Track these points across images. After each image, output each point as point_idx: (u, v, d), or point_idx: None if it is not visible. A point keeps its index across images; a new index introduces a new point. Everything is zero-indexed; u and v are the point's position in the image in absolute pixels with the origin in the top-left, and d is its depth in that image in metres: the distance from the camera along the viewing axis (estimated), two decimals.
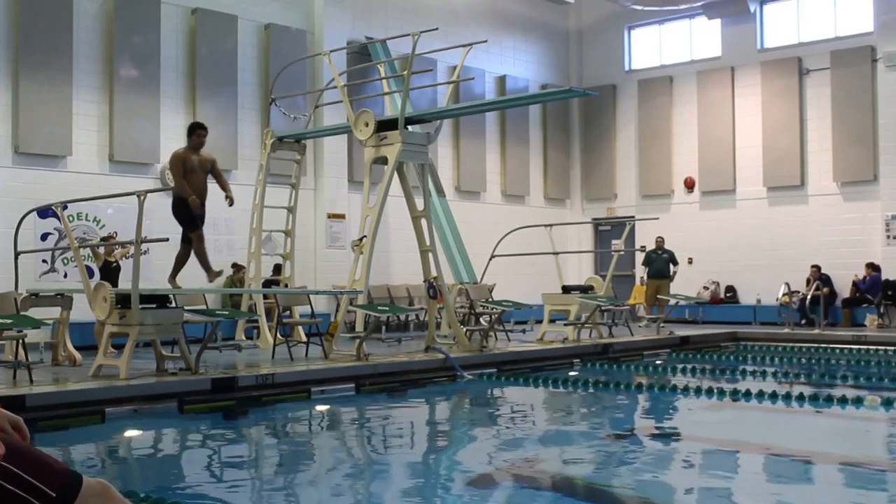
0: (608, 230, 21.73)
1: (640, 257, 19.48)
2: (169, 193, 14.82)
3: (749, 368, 11.93)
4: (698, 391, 9.80)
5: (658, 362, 13.48)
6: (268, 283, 14.50)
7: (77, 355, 10.58)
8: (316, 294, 13.50)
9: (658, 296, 17.52)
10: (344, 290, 12.37)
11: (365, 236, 11.86)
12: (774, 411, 8.50)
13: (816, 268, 18.06)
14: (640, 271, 19.63)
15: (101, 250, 12.21)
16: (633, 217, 19.68)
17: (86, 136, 14.32)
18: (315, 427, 8.59)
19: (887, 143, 17.93)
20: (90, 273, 11.87)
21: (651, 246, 18.29)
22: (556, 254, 15.61)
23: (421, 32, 11.94)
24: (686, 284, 18.95)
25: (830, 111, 18.83)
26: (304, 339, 12.46)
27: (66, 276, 13.80)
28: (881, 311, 17.42)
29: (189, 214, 11.06)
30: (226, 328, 13.23)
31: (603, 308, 14.73)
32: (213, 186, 15.49)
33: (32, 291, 10.79)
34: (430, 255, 12.37)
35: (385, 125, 12.26)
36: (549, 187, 22.01)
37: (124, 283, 11.36)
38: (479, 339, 12.63)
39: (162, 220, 14.62)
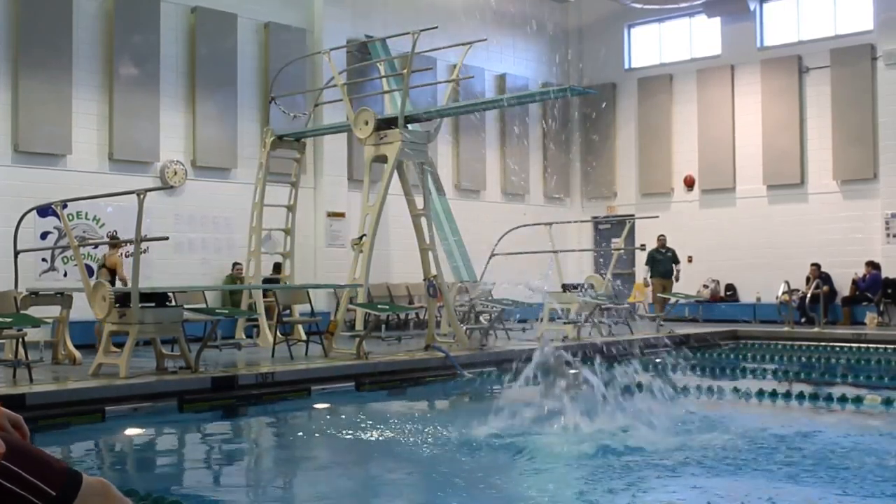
0: (608, 229, 21.74)
1: (639, 255, 19.48)
2: (167, 192, 14.87)
3: (749, 367, 11.93)
4: (698, 390, 9.80)
5: (657, 361, 13.48)
6: (268, 282, 14.50)
7: (77, 354, 10.59)
8: (315, 288, 13.48)
9: (659, 294, 17.50)
10: (343, 285, 12.38)
11: (365, 235, 11.86)
12: (774, 410, 8.51)
13: (816, 266, 18.06)
14: (641, 270, 19.62)
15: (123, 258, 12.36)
16: (632, 215, 19.66)
17: (85, 135, 14.32)
18: (315, 426, 8.59)
19: (887, 141, 17.93)
20: (90, 272, 11.89)
21: (650, 245, 18.24)
22: (555, 252, 15.61)
23: (421, 31, 11.94)
24: (686, 283, 18.93)
25: (830, 109, 18.83)
26: (304, 337, 12.46)
27: (65, 274, 13.80)
28: (881, 309, 17.42)
29: None
30: (226, 327, 13.23)
31: (603, 307, 14.74)
32: (214, 185, 15.54)
33: (32, 290, 10.80)
34: (430, 253, 12.38)
35: (385, 124, 12.27)
36: (548, 186, 22.01)
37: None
38: (478, 338, 12.63)
39: (161, 218, 14.65)
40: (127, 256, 13.49)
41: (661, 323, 15.97)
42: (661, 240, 18.37)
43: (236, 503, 5.81)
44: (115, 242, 12.73)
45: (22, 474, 2.01)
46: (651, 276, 18.39)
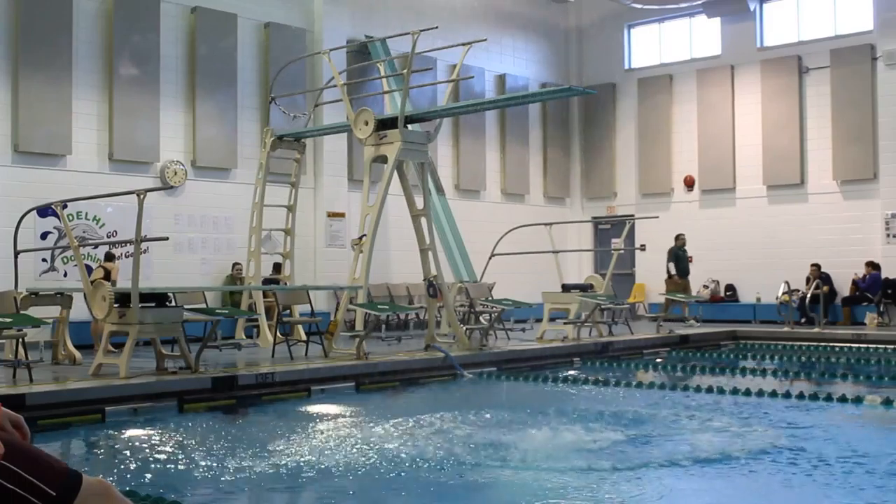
0: (608, 229, 21.73)
1: (640, 256, 19.44)
2: (167, 192, 14.88)
3: (749, 367, 11.93)
4: (698, 389, 9.80)
5: (658, 361, 13.49)
6: (267, 282, 14.51)
7: (77, 354, 10.59)
8: (315, 289, 13.49)
9: (662, 294, 17.52)
10: (343, 286, 12.38)
11: (365, 235, 11.87)
12: (774, 410, 8.51)
13: (816, 266, 18.05)
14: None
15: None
16: (632, 216, 19.68)
17: (85, 135, 14.32)
18: (315, 426, 8.58)
19: (887, 141, 17.94)
20: (90, 272, 11.89)
21: (650, 245, 18.18)
22: (555, 252, 15.61)
23: (421, 31, 11.95)
24: None
25: (830, 110, 18.84)
26: (303, 337, 12.46)
27: (65, 274, 13.80)
28: (881, 309, 17.42)
29: None
30: (226, 327, 13.24)
31: (603, 307, 14.75)
32: (214, 185, 15.57)
33: (32, 290, 10.81)
34: (430, 253, 12.38)
35: (385, 124, 12.27)
36: (548, 186, 22.01)
37: (124, 282, 11.36)
38: (478, 338, 12.64)
39: (161, 218, 14.65)
40: (127, 257, 13.50)
41: (661, 323, 15.99)
42: (682, 239, 18.43)
43: None
44: (112, 241, 12.72)
45: (22, 474, 2.01)
46: (679, 275, 18.37)
